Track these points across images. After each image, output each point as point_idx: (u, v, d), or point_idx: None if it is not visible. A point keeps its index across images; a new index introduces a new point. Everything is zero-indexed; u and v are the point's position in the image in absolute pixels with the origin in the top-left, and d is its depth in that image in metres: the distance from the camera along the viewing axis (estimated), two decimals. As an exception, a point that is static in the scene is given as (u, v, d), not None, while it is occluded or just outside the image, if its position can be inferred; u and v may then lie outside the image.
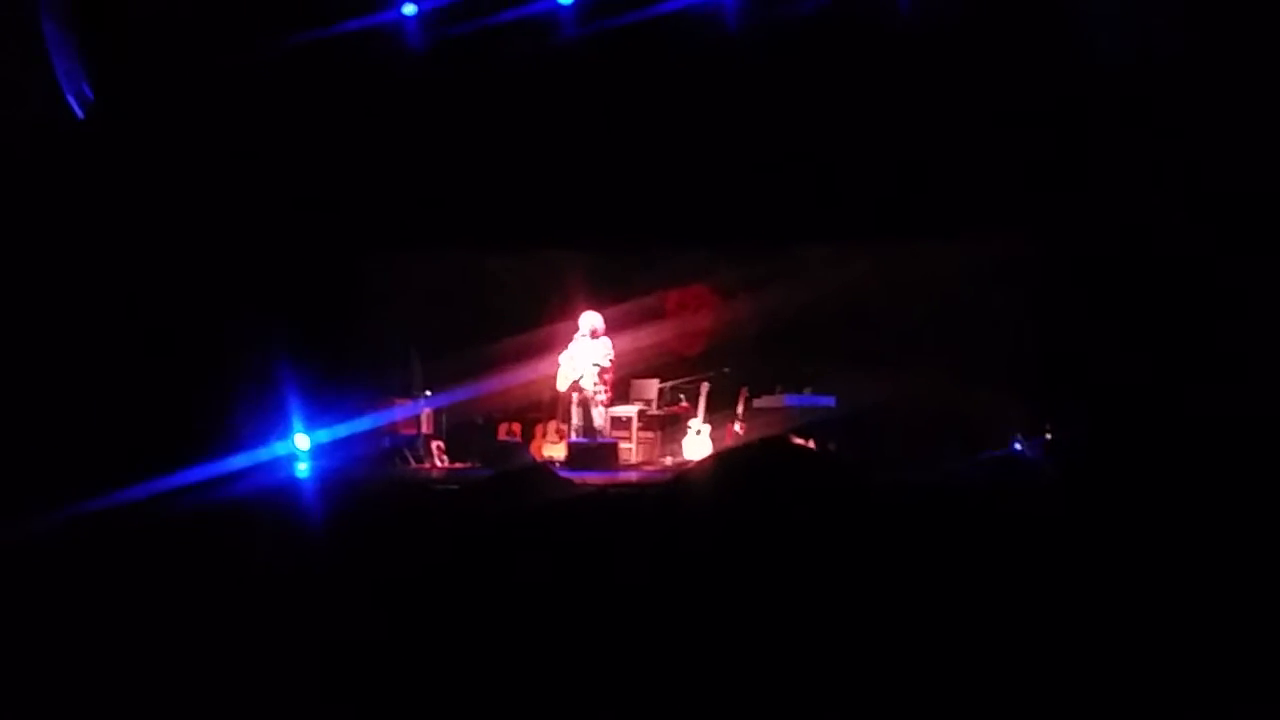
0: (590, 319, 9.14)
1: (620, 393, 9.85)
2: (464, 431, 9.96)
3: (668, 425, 9.88)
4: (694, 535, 1.30)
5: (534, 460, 9.28)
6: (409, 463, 9.34)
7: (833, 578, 1.25)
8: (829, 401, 8.98)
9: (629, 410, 9.81)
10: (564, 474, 7.69)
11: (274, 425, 7.63)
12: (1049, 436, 7.33)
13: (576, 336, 9.13)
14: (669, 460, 9.50)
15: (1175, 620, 2.08)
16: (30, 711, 2.07)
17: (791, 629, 1.24)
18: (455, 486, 6.88)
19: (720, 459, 1.52)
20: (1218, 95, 6.32)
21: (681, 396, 9.82)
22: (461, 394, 9.66)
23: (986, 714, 1.47)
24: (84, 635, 2.27)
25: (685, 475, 1.48)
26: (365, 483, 7.72)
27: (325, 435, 8.06)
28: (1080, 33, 6.82)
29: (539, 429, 9.98)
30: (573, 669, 1.43)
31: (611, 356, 9.14)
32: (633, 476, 8.61)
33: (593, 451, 8.88)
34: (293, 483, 7.24)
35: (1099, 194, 6.77)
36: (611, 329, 9.32)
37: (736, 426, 9.31)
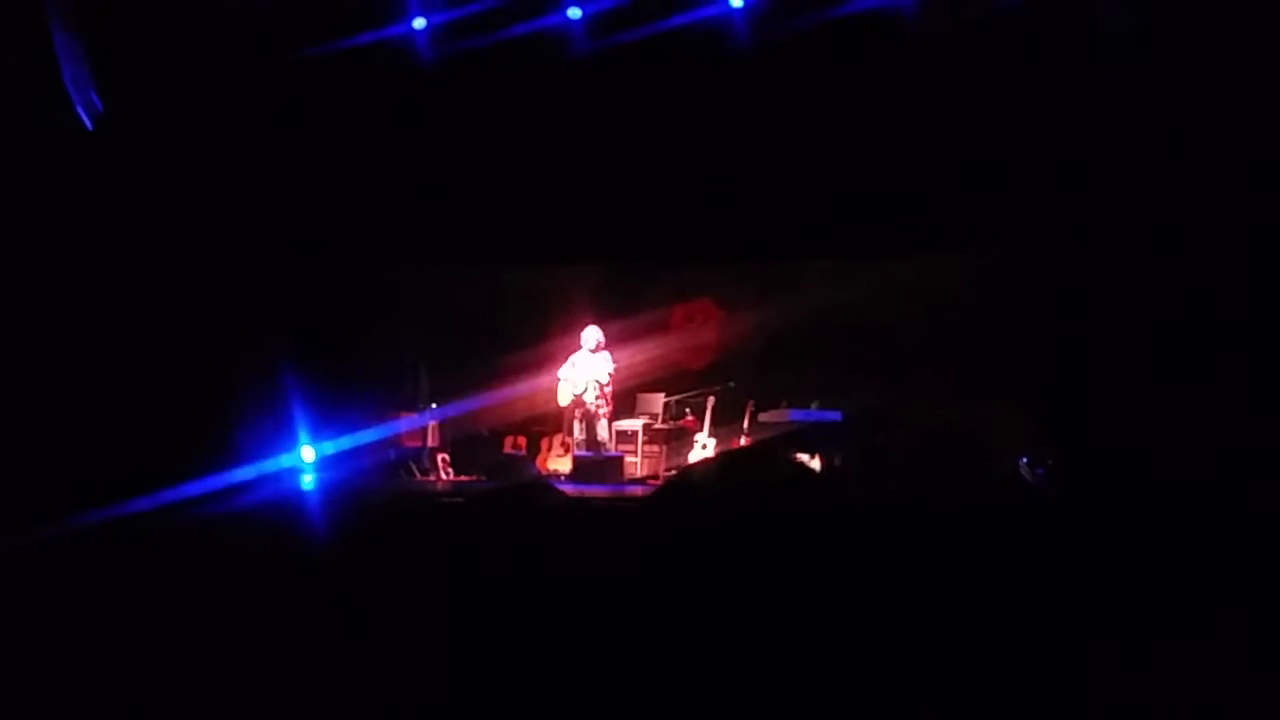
0: (592, 333, 9.17)
1: (626, 406, 9.85)
2: (469, 444, 9.96)
3: (673, 439, 9.87)
4: (684, 545, 1.31)
5: (537, 473, 9.29)
6: (414, 475, 9.35)
7: (818, 598, 1.25)
8: (835, 416, 8.96)
9: (635, 424, 9.81)
10: (568, 487, 7.67)
11: (280, 437, 7.64)
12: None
13: (579, 351, 9.15)
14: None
15: (1176, 645, 2.07)
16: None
17: (778, 646, 1.24)
18: (460, 499, 6.87)
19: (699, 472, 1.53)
20: (1223, 107, 6.32)
21: (687, 410, 9.82)
22: (467, 407, 9.67)
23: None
24: (87, 646, 2.28)
25: (675, 486, 1.48)
26: (370, 495, 7.72)
27: (331, 447, 8.07)
28: (1084, 45, 6.83)
29: (544, 442, 9.98)
30: (574, 680, 1.43)
31: (612, 370, 9.15)
32: (638, 490, 8.61)
33: (598, 465, 8.88)
34: (298, 495, 7.26)
35: (1104, 208, 6.77)
36: (618, 343, 9.33)
37: (742, 441, 9.30)
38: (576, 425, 9.31)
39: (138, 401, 6.62)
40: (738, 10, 7.33)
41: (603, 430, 9.26)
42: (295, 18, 7.34)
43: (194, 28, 7.14)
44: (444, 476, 9.55)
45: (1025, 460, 7.34)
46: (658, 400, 10.05)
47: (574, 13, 7.42)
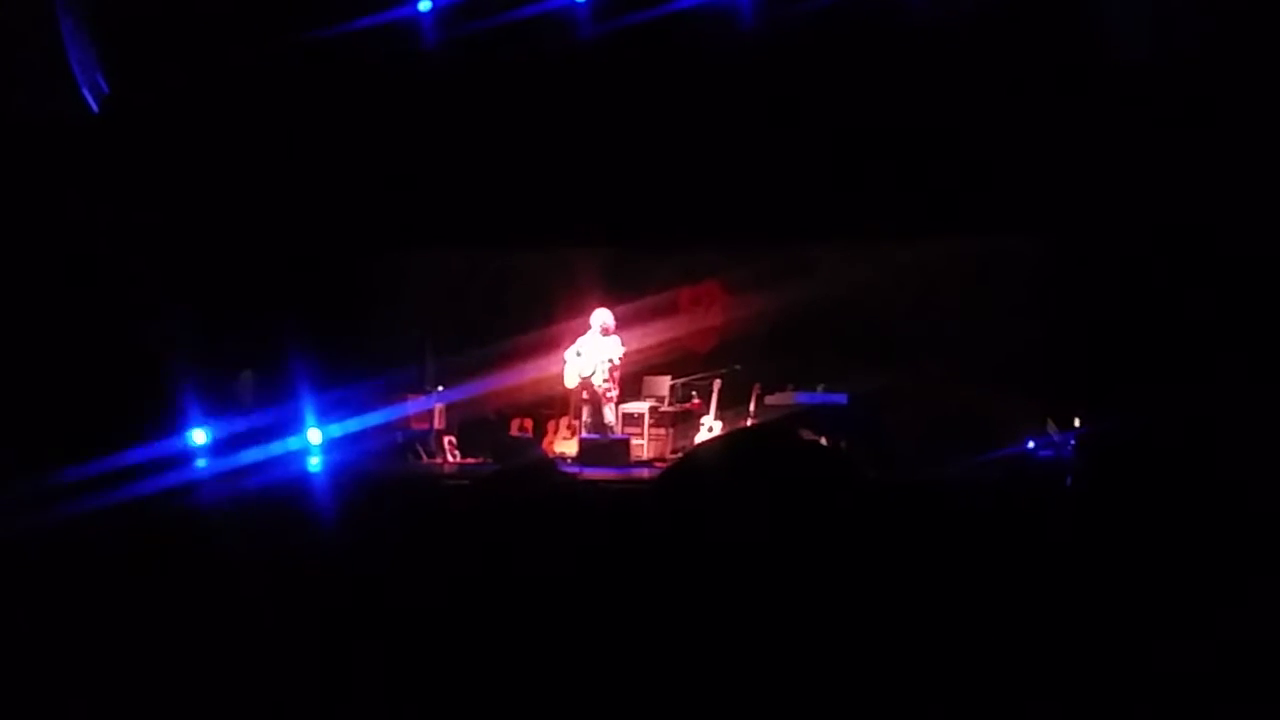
0: (602, 315, 9.15)
1: (632, 389, 9.84)
2: (476, 427, 9.97)
3: (680, 422, 9.87)
4: (692, 522, 1.31)
5: (542, 455, 9.29)
6: (421, 458, 9.36)
7: (829, 577, 1.25)
8: (841, 399, 8.95)
9: (641, 407, 9.80)
10: (574, 470, 7.65)
11: (288, 419, 7.66)
12: (1078, 426, 7.27)
13: (588, 333, 9.15)
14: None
15: (1205, 633, 2.06)
16: (35, 711, 2.08)
17: (787, 630, 1.24)
18: (466, 482, 6.87)
19: (708, 451, 1.53)
20: (1232, 93, 6.29)
21: (694, 393, 9.81)
22: (474, 389, 9.67)
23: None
24: (92, 630, 2.28)
25: (683, 464, 1.48)
26: (377, 477, 7.74)
27: (338, 430, 8.08)
28: (1094, 31, 6.80)
29: (551, 425, 9.99)
30: (579, 664, 1.43)
31: (622, 354, 9.15)
32: (644, 473, 8.61)
33: (605, 448, 8.89)
34: (305, 477, 7.27)
35: (1112, 190, 6.75)
36: (624, 325, 9.32)
37: (749, 424, 9.29)
38: (584, 407, 9.32)
39: (144, 385, 6.63)
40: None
41: (609, 413, 9.25)
42: (302, 1, 7.33)
43: (199, 12, 7.13)
44: (450, 459, 9.56)
45: (1031, 441, 7.34)
46: (664, 383, 10.04)
47: (580, -6, 7.41)
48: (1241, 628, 2.11)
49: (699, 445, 1.55)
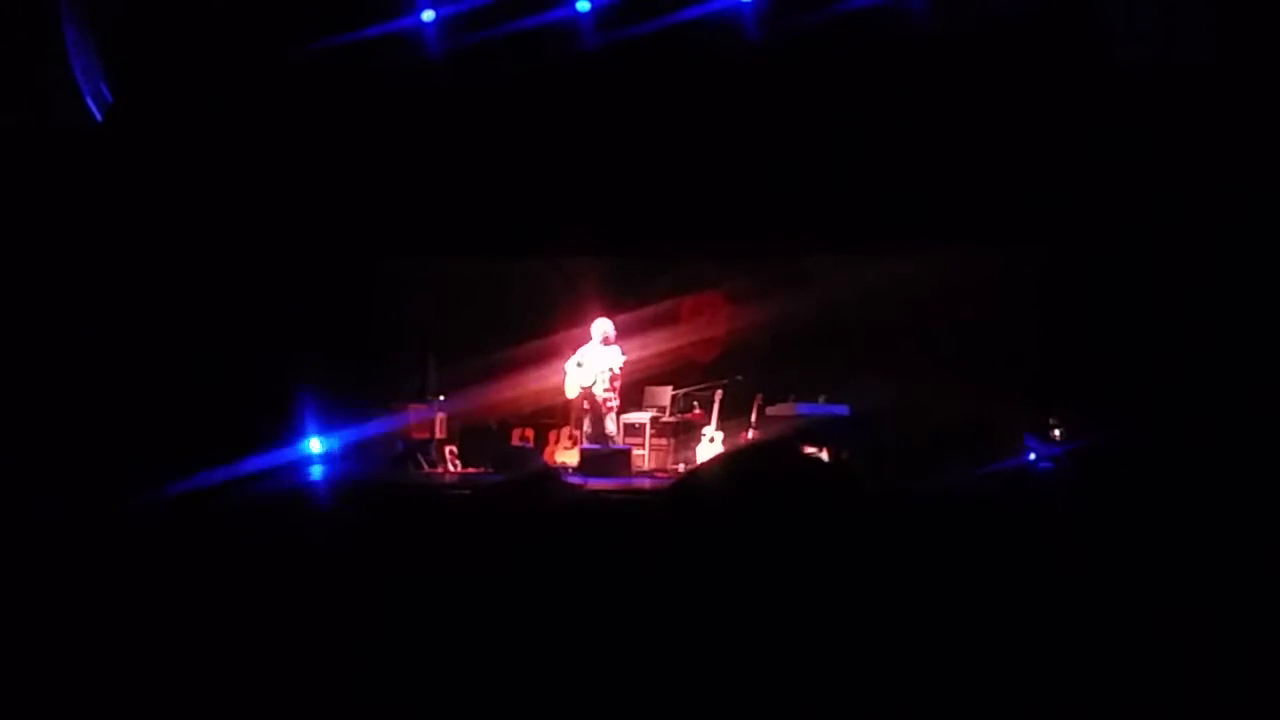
0: (602, 325, 9.16)
1: (633, 399, 9.84)
2: (477, 436, 9.97)
3: (681, 432, 9.87)
4: (695, 540, 1.31)
5: (545, 465, 9.29)
6: (422, 467, 9.36)
7: (831, 589, 1.25)
8: (842, 410, 8.96)
9: (642, 417, 9.80)
10: (575, 480, 7.66)
11: (288, 428, 7.65)
12: (1057, 434, 7.31)
13: (589, 343, 9.16)
14: (682, 467, 9.50)
15: (1195, 640, 2.05)
16: (39, 712, 2.08)
17: (789, 640, 1.24)
18: (468, 491, 6.86)
19: (712, 469, 1.52)
20: (1233, 103, 6.30)
21: (695, 404, 9.82)
22: (475, 399, 9.68)
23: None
24: (94, 636, 2.28)
25: (685, 482, 1.48)
26: (378, 486, 7.73)
27: (339, 439, 8.08)
28: (1096, 40, 6.81)
29: (552, 435, 9.99)
30: (579, 674, 1.43)
31: (622, 364, 9.15)
32: (645, 483, 8.61)
33: (605, 458, 8.88)
34: (306, 486, 7.27)
35: (1112, 201, 6.76)
36: (626, 335, 9.32)
37: (750, 434, 9.29)
38: (584, 418, 9.32)
39: (146, 393, 6.63)
40: (748, 2, 7.30)
41: (610, 423, 9.25)
42: (306, 10, 7.34)
43: (204, 20, 7.14)
44: (451, 468, 9.56)
45: (1031, 451, 7.36)
46: (665, 393, 10.05)
47: (583, 5, 7.40)
48: (1241, 632, 2.11)
49: (699, 465, 1.55)
